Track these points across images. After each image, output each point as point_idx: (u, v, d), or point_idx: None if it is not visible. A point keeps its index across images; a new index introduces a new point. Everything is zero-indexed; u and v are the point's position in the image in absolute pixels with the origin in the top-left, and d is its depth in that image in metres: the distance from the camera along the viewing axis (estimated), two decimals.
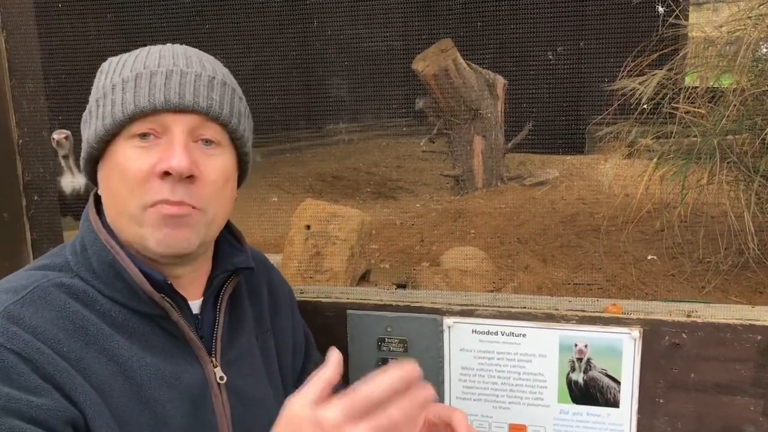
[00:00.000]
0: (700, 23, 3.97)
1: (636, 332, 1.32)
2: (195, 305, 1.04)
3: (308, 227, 2.97)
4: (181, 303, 1.00)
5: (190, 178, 0.93)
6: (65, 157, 3.11)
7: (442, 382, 1.41)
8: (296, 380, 1.23)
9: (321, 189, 5.70)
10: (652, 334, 1.32)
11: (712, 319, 1.30)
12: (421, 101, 5.22)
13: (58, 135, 3.02)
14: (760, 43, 3.18)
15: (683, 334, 1.31)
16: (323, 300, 1.45)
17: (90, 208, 1.01)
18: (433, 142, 5.74)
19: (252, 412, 1.06)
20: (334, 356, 0.77)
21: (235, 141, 1.01)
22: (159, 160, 0.92)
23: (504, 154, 5.29)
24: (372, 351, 1.43)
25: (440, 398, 1.42)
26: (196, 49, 1.02)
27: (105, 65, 1.00)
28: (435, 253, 3.77)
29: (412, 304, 1.41)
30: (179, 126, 0.94)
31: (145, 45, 1.02)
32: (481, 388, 1.40)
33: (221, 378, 1.02)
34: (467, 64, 5.03)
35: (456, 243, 3.96)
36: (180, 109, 0.93)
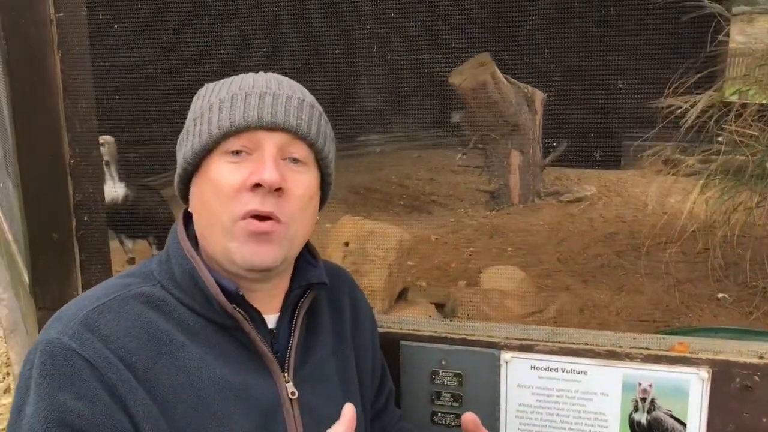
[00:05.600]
0: (736, 37, 3.87)
1: (704, 373, 1.26)
2: (271, 320, 1.06)
3: (347, 244, 2.94)
4: (255, 315, 1.02)
5: (279, 191, 0.97)
6: (107, 163, 3.12)
7: (498, 418, 1.37)
8: (372, 404, 1.25)
9: (354, 201, 5.66)
10: (722, 375, 1.26)
11: None
12: (457, 115, 5.17)
13: (102, 139, 3.03)
14: None
15: (755, 377, 1.24)
16: None
17: (178, 221, 1.07)
18: (467, 155, 5.69)
19: (324, 429, 1.04)
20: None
21: (320, 161, 1.06)
22: (250, 173, 0.97)
23: (542, 170, 5.21)
24: (425, 384, 1.39)
25: None
26: (286, 77, 1.08)
27: (202, 90, 1.06)
28: (471, 271, 3.71)
29: (468, 337, 1.37)
30: (270, 142, 0.98)
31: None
32: (539, 426, 1.35)
33: (293, 393, 1.03)
34: (505, 78, 4.98)
35: (493, 260, 3.90)
36: (271, 127, 0.98)
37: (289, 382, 1.03)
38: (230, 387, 0.98)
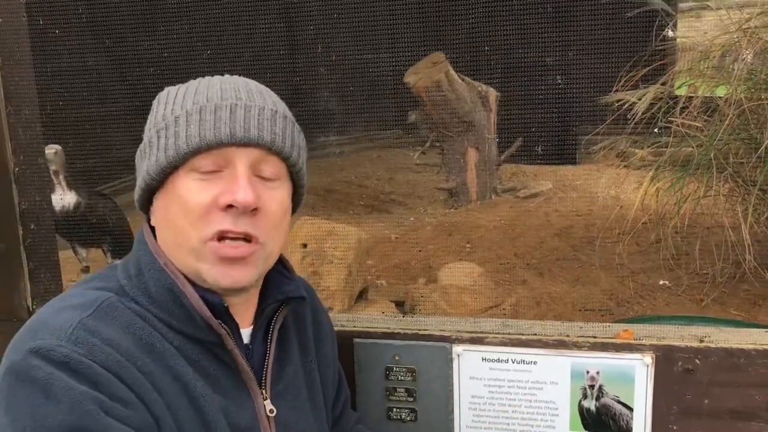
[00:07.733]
0: (684, 32, 3.98)
1: (648, 358, 1.30)
2: (245, 334, 1.03)
3: (305, 246, 2.94)
4: (235, 330, 0.99)
5: (254, 210, 0.93)
6: (56, 172, 3.06)
7: (452, 411, 1.39)
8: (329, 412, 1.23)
9: (314, 203, 5.65)
10: (665, 359, 1.30)
11: (726, 344, 1.28)
12: (413, 114, 5.20)
13: (49, 149, 2.98)
14: (756, 56, 3.19)
15: (696, 360, 1.29)
16: None
17: (146, 233, 1.01)
18: (425, 154, 5.73)
19: None
20: None
21: (293, 174, 1.01)
22: (222, 192, 0.92)
23: (497, 167, 5.27)
24: (380, 380, 1.41)
25: (450, 428, 1.39)
26: (254, 81, 1.02)
27: (163, 95, 1.00)
28: (431, 269, 3.75)
29: (421, 332, 1.39)
30: (243, 159, 0.93)
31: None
32: (491, 416, 1.38)
33: (271, 411, 1.01)
34: (459, 76, 5.03)
35: (452, 257, 3.94)
36: (245, 143, 0.93)
37: (267, 399, 1.01)
38: (217, 401, 0.95)
